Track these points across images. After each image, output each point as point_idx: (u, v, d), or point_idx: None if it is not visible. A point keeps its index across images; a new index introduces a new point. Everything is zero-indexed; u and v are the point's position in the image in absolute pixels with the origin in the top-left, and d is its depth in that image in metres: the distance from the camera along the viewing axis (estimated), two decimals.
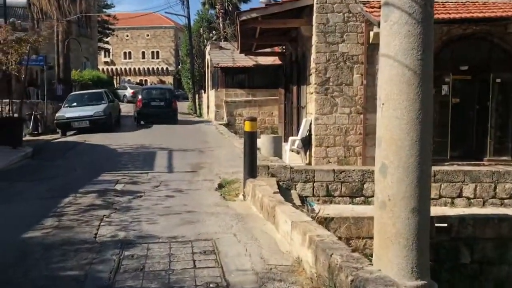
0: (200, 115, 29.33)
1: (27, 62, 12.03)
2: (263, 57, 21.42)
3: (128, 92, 40.30)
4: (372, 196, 9.07)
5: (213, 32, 34.29)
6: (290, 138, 13.82)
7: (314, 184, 8.81)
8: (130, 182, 8.30)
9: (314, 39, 12.90)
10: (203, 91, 30.09)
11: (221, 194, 7.55)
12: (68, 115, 17.40)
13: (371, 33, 12.53)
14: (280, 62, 20.37)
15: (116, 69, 64.63)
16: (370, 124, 12.80)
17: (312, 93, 13.18)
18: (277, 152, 12.19)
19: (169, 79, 63.51)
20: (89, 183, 8.18)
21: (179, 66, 53.38)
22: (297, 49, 16.13)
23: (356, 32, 12.75)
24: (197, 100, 31.78)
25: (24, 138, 17.09)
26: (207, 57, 25.73)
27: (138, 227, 5.54)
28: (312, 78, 13.08)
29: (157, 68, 64.82)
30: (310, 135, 13.22)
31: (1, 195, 7.30)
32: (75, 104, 18.58)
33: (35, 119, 18.19)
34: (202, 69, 31.05)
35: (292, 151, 13.69)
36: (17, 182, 8.22)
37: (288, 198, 8.16)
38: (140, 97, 21.56)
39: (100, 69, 58.11)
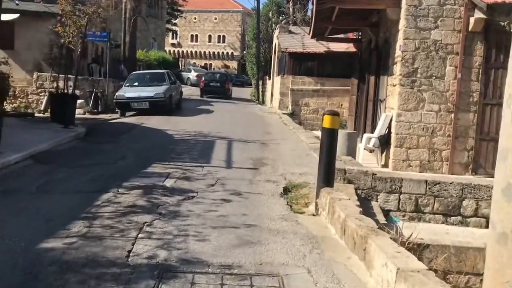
0: (263, 102, 28.07)
1: (84, 36, 11.18)
2: (335, 44, 19.71)
3: (193, 75, 39.77)
4: (472, 216, 7.40)
5: (282, 16, 32.79)
6: (365, 135, 12.20)
7: (401, 196, 7.24)
8: (182, 177, 7.12)
9: (402, 23, 11.16)
10: (267, 77, 28.76)
11: (287, 202, 6.19)
12: (128, 95, 16.65)
13: (472, 19, 10.65)
14: (354, 50, 18.61)
15: (182, 51, 64.66)
16: (461, 125, 10.97)
17: (395, 86, 11.48)
18: (351, 151, 10.65)
19: (233, 64, 62.79)
20: (136, 175, 7.08)
21: (244, 51, 52.40)
22: (377, 35, 14.36)
23: (453, 18, 10.88)
24: (260, 87, 30.52)
25: (83, 116, 16.58)
26: (275, 41, 24.32)
27: (184, 244, 4.29)
28: (397, 68, 11.36)
29: (222, 53, 64.22)
30: (389, 133, 11.56)
31: (35, 184, 6.33)
32: (136, 83, 17.83)
33: (95, 97, 17.62)
34: (268, 54, 29.69)
35: (366, 150, 12.09)
36: (58, 168, 7.27)
37: (368, 211, 6.68)
38: (203, 78, 30.86)
39: (167, 51, 58.39)
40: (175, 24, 57.51)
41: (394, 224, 7.16)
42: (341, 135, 10.77)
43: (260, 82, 30.48)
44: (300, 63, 19.92)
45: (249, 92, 35.83)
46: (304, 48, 19.91)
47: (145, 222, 4.87)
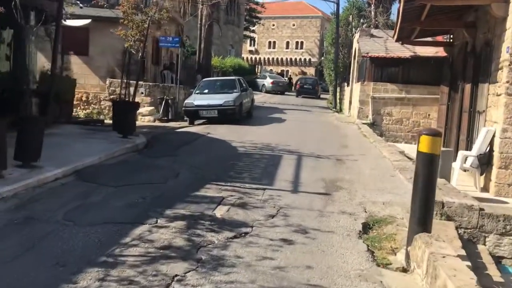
0: (340, 110, 26.33)
1: (145, 39, 10.36)
2: (422, 48, 17.68)
3: (268, 82, 38.74)
4: None
5: (363, 20, 30.86)
6: (461, 153, 10.29)
7: None
8: (238, 204, 5.86)
9: (511, 21, 9.22)
10: (346, 84, 27.01)
11: (368, 247, 4.71)
12: (197, 102, 15.80)
13: None
14: (444, 54, 16.51)
15: (259, 58, 64.18)
16: None
17: (499, 95, 9.51)
18: (445, 172, 8.86)
19: (310, 71, 61.25)
20: (184, 200, 5.92)
21: (322, 58, 50.74)
22: (475, 37, 12.33)
23: None
24: (337, 94, 28.79)
25: (152, 124, 16.00)
26: (355, 46, 22.59)
27: None
28: (503, 75, 9.40)
29: (300, 59, 62.89)
30: (491, 151, 9.60)
31: (64, 209, 5.33)
32: (206, 91, 16.99)
33: (166, 104, 17.01)
34: (347, 60, 27.91)
35: (465, 170, 10.18)
36: (98, 188, 6.30)
37: (474, 259, 5.03)
38: (299, 82, 39.31)
39: (244, 58, 58.18)
40: (253, 31, 57.17)
41: (509, 277, 5.43)
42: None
43: (338, 89, 28.76)
44: (382, 69, 18.09)
45: (325, 100, 34.18)
46: (387, 53, 18.06)
47: (176, 276, 3.65)
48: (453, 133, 14.71)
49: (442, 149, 9.44)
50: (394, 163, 9.50)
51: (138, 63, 10.73)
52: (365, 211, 5.93)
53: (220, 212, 5.51)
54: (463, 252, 4.54)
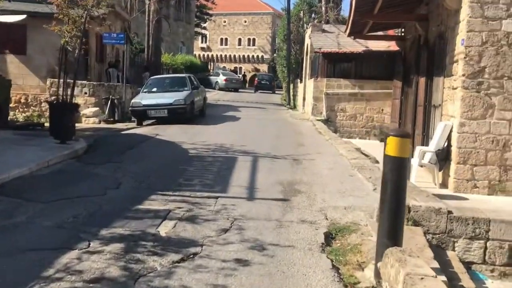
0: (294, 107, 25.99)
1: (82, 34, 9.42)
2: (374, 42, 17.51)
3: (221, 79, 37.99)
4: None
5: (314, 15, 30.66)
6: (419, 149, 10.01)
7: (487, 244, 5.11)
8: (186, 218, 5.18)
9: (465, 12, 8.95)
10: (299, 80, 26.69)
11: (332, 264, 4.16)
12: (144, 102, 14.91)
13: None
14: (396, 49, 16.37)
15: (212, 55, 63.22)
16: None
17: (455, 89, 9.28)
18: None
19: (263, 67, 60.92)
20: (123, 216, 5.18)
21: (274, 54, 50.49)
22: (427, 30, 12.13)
23: None
24: (291, 91, 28.46)
25: (97, 125, 14.96)
26: (307, 41, 22.24)
27: None
28: (458, 68, 9.17)
29: (252, 56, 62.43)
30: (449, 146, 9.36)
31: None
32: (155, 89, 16.11)
33: (112, 104, 15.99)
34: (299, 56, 27.59)
35: (422, 166, 9.91)
36: (25, 205, 5.43)
37: (445, 266, 4.60)
38: (256, 78, 42.31)
39: (196, 55, 57.08)
40: (204, 28, 56.16)
41: (480, 283, 5.05)
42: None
43: (291, 86, 28.44)
44: (335, 65, 17.80)
45: (279, 97, 33.82)
46: (340, 48, 17.78)
47: None
48: (408, 127, 14.56)
49: None
50: (351, 162, 9.09)
51: (77, 61, 9.77)
52: (326, 218, 5.41)
53: (165, 229, 4.81)
54: (436, 265, 4.08)
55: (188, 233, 4.70)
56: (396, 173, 3.78)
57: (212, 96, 30.05)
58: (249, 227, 4.97)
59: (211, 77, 38.78)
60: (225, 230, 4.85)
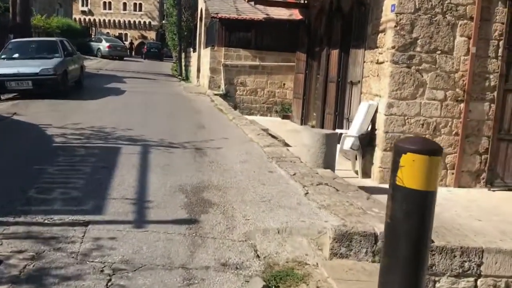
0: (187, 78, 23.67)
1: None
2: (275, 10, 15.83)
3: (104, 45, 34.01)
4: None
5: None
6: (339, 132, 8.55)
7: (479, 283, 3.66)
8: (28, 277, 2.99)
9: None
10: (192, 49, 24.32)
11: None
12: (1, 71, 11.72)
13: None
14: (300, 17, 14.88)
15: (94, 20, 57.46)
16: (473, 119, 7.71)
17: (381, 63, 7.91)
18: (329, 159, 6.98)
19: (151, 35, 56.92)
20: None
21: (163, 21, 47.04)
22: None
23: None
24: (183, 60, 26.00)
25: None
26: (201, 6, 19.90)
27: None
28: (386, 39, 7.77)
29: (139, 22, 57.91)
30: (373, 130, 8.04)
31: None
32: (16, 55, 12.86)
33: None
34: (191, 22, 25.12)
35: (341, 153, 8.50)
36: None
37: None
38: (146, 46, 42.80)
39: (77, 19, 51.33)
40: None
41: None
42: (315, 136, 7.05)
43: (183, 55, 25.96)
44: (234, 33, 15.84)
45: (169, 66, 31.12)
46: (239, 14, 15.82)
47: None
48: (315, 105, 13.25)
49: (327, 132, 7.54)
50: (266, 150, 7.35)
51: None
52: (257, 255, 3.58)
53: None
54: None
55: None
56: (418, 220, 2.01)
57: (94, 64, 26.50)
58: (139, 286, 2.94)
59: (93, 43, 34.61)
60: None
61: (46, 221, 3.91)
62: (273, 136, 9.55)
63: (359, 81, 9.06)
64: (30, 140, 6.92)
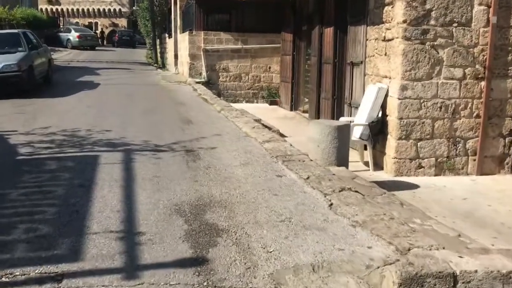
0: (163, 66, 22.35)
1: None
2: None
3: (73, 35, 32.24)
4: None
5: None
6: (342, 119, 7.58)
7: None
8: None
9: None
10: (167, 35, 22.94)
11: None
12: None
13: None
14: None
15: (62, 9, 54.83)
16: (496, 98, 6.83)
17: (390, 40, 6.93)
18: (342, 154, 6.02)
19: (122, 22, 54.69)
20: None
21: (133, 7, 45.04)
22: None
23: None
24: (157, 47, 24.60)
25: None
26: None
27: None
28: (394, 12, 6.78)
29: (109, 9, 55.48)
30: (383, 116, 7.10)
31: None
32: None
33: None
34: (165, 7, 23.68)
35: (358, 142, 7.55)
36: None
37: None
38: (117, 34, 41.90)
39: (43, 9, 48.96)
40: None
41: None
42: (324, 129, 6.07)
43: (158, 42, 24.55)
44: (213, 15, 14.67)
45: (143, 54, 29.63)
46: None
47: None
48: (306, 89, 12.26)
49: (338, 124, 6.54)
50: (266, 147, 6.36)
51: None
52: None
53: None
54: None
55: None
56: None
57: (63, 56, 24.95)
58: None
59: (61, 34, 32.76)
60: None
61: (3, 279, 2.85)
62: (265, 126, 8.58)
63: (361, 62, 8.08)
64: None
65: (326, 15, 9.84)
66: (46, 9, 51.48)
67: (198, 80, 14.35)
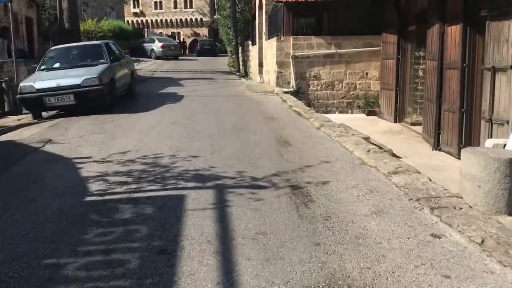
0: (246, 74, 21.28)
1: None
2: None
3: (157, 46, 32.33)
4: None
5: None
6: (489, 143, 5.77)
7: None
8: None
9: None
10: (250, 42, 21.86)
11: None
12: (39, 85, 9.77)
13: None
14: None
15: (146, 20, 56.45)
16: None
17: None
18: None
19: (203, 31, 55.15)
20: None
21: (214, 16, 45.02)
22: None
23: None
24: (240, 55, 23.61)
25: None
26: None
27: None
28: None
29: (191, 19, 56.24)
30: None
31: None
32: (57, 65, 10.92)
33: None
34: (247, 13, 22.65)
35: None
36: None
37: None
38: (198, 44, 43.00)
39: (129, 21, 50.53)
40: None
41: None
42: (490, 164, 4.28)
43: (240, 49, 23.57)
44: (302, 18, 13.24)
45: (225, 62, 28.89)
46: None
47: None
48: (414, 97, 10.41)
49: (502, 154, 4.71)
50: (396, 182, 4.77)
51: None
52: None
53: None
54: None
55: None
56: None
57: (147, 66, 24.80)
58: None
59: (146, 45, 33.01)
60: None
61: None
62: (375, 145, 6.94)
63: (510, 66, 6.19)
64: (52, 193, 4.66)
65: (450, 11, 7.99)
66: (132, 21, 53.18)
67: (286, 89, 12.95)
